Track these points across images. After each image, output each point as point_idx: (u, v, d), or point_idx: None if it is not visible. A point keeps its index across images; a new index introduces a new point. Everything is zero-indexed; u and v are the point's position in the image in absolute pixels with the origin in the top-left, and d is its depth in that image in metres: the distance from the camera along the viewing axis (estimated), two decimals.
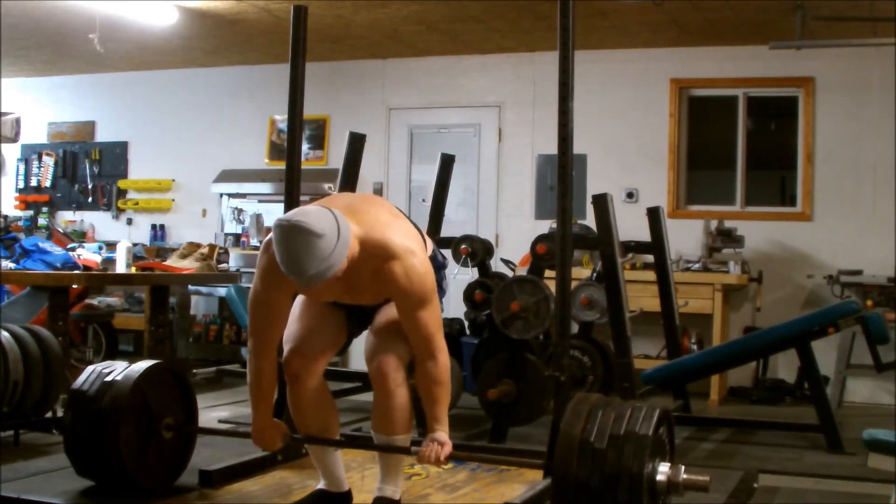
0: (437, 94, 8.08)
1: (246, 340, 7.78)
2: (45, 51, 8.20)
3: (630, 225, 6.69)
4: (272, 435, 3.15)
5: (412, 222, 3.17)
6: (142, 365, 3.55)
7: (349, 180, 5.51)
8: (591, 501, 2.68)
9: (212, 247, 6.15)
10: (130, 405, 3.41)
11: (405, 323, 2.96)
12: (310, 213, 2.68)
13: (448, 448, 2.98)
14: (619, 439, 2.69)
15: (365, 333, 3.20)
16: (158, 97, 8.95)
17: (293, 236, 2.64)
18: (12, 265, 5.48)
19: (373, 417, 3.12)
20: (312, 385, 3.10)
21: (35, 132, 9.35)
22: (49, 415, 4.49)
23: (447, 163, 6.23)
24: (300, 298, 3.24)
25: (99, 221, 9.14)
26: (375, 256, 2.83)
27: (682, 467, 2.81)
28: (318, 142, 8.45)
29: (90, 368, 3.59)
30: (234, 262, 7.57)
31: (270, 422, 3.15)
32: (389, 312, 3.10)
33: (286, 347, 3.09)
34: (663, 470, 2.78)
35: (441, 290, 3.25)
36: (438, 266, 3.26)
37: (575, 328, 5.74)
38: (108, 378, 3.47)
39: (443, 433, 2.99)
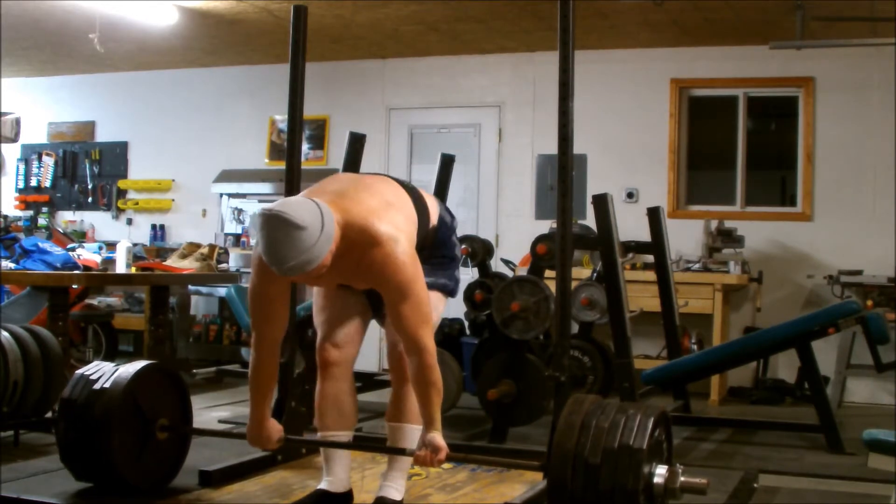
0: (437, 94, 8.08)
1: (246, 341, 7.84)
2: (45, 51, 8.20)
3: (630, 225, 6.69)
4: (267, 434, 3.14)
5: (415, 190, 3.13)
6: (131, 368, 3.49)
7: None
8: None
9: (212, 247, 6.15)
10: (123, 411, 3.37)
11: (390, 315, 2.92)
12: (293, 205, 2.66)
13: (443, 452, 2.95)
14: (613, 453, 2.67)
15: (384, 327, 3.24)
16: (158, 97, 8.95)
17: (274, 226, 2.61)
18: (12, 265, 5.48)
19: (389, 407, 3.18)
20: (342, 372, 3.19)
21: (35, 132, 9.35)
22: (49, 415, 4.48)
23: (447, 163, 6.23)
24: (317, 288, 3.27)
25: (99, 221, 9.14)
26: (358, 243, 2.79)
27: (680, 470, 2.80)
28: (318, 142, 8.45)
29: (77, 374, 3.52)
30: (234, 262, 7.57)
31: (267, 420, 3.14)
32: None
33: (319, 337, 3.18)
34: (661, 473, 2.77)
35: (453, 257, 3.25)
36: (447, 229, 3.25)
37: (575, 328, 5.74)
38: (97, 386, 3.40)
39: (437, 434, 2.95)
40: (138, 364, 3.56)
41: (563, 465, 2.72)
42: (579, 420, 2.78)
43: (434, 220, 3.17)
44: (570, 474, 2.69)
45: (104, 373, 3.49)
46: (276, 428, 3.17)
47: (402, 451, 3.06)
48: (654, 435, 2.75)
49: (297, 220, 2.60)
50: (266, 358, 3.04)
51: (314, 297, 3.28)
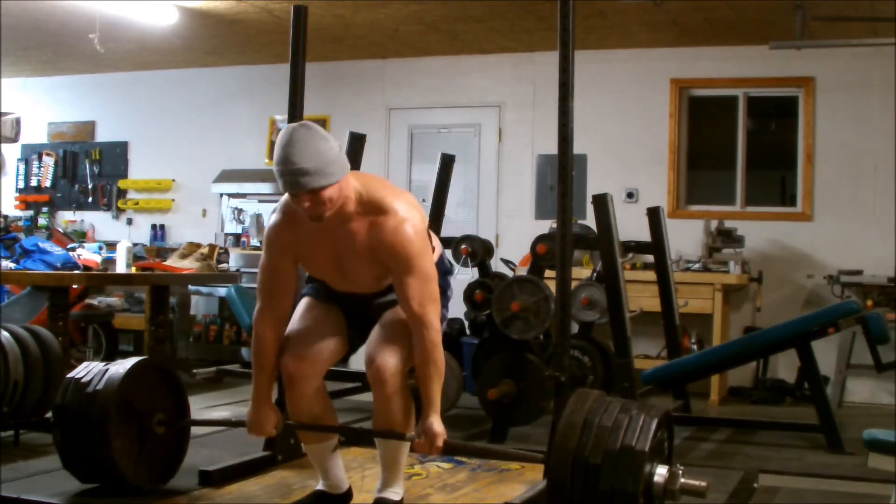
0: (437, 94, 8.08)
1: (246, 340, 7.84)
2: (45, 51, 8.20)
3: (630, 225, 6.69)
4: (266, 417, 3.08)
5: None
6: (122, 368, 3.45)
7: None
8: None
9: (212, 247, 6.15)
10: (118, 412, 3.35)
11: (397, 291, 2.93)
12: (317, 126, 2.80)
13: (441, 438, 2.93)
14: (614, 454, 2.66)
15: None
16: (158, 97, 8.95)
17: (298, 130, 2.73)
18: (12, 265, 5.48)
19: (373, 420, 3.09)
20: (310, 388, 3.05)
21: (35, 132, 9.36)
22: (49, 415, 4.48)
23: (447, 163, 6.23)
24: (302, 303, 3.21)
25: (99, 221, 9.14)
26: (370, 211, 2.87)
27: (680, 472, 2.79)
28: None
29: (67, 378, 3.49)
30: (234, 262, 7.57)
31: (268, 402, 3.10)
32: (391, 316, 3.08)
33: (284, 350, 3.04)
34: (661, 473, 2.77)
35: (445, 297, 3.22)
36: (445, 271, 3.23)
37: (575, 328, 5.74)
38: (90, 389, 3.37)
39: (435, 419, 2.93)
40: (129, 362, 3.52)
41: (563, 465, 2.71)
42: (581, 419, 2.78)
43: (437, 252, 3.15)
44: (570, 474, 2.69)
45: (94, 375, 3.45)
46: (276, 413, 3.11)
47: (402, 436, 3.01)
48: (656, 436, 2.75)
49: (322, 133, 2.74)
50: (269, 332, 3.01)
51: (296, 311, 3.16)
